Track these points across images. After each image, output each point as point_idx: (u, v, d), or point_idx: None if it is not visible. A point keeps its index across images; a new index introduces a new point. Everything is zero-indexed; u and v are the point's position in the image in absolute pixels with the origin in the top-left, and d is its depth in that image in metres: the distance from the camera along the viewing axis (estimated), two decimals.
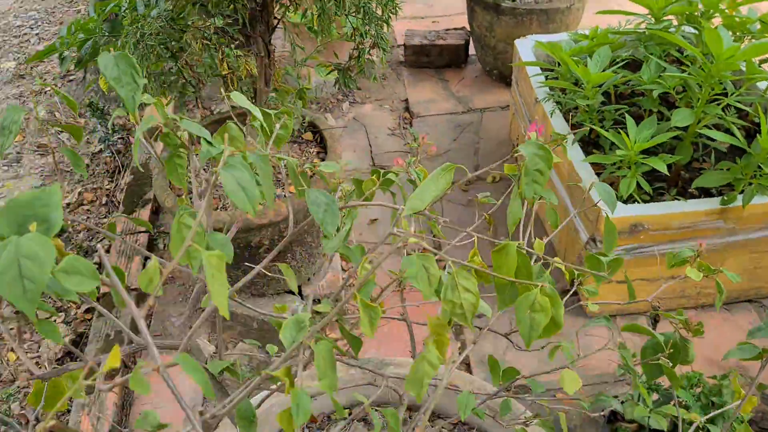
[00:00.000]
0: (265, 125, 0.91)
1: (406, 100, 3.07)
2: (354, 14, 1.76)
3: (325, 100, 3.08)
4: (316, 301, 0.82)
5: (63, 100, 0.78)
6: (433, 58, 3.19)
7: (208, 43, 1.57)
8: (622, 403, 1.69)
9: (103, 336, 2.00)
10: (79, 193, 2.90)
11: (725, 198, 1.81)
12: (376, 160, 2.74)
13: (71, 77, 3.58)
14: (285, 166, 0.90)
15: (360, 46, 1.81)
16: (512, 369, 1.01)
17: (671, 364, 0.92)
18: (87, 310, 2.23)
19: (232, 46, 1.66)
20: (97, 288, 0.59)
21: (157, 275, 0.60)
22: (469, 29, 3.12)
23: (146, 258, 2.35)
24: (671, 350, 0.91)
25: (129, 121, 3.27)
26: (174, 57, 1.54)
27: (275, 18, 1.75)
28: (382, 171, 0.87)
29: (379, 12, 1.78)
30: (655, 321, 2.07)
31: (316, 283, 2.13)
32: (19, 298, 0.53)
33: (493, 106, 2.98)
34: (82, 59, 1.90)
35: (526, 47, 2.47)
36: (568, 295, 1.11)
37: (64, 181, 3.00)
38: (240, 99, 0.87)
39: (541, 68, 2.30)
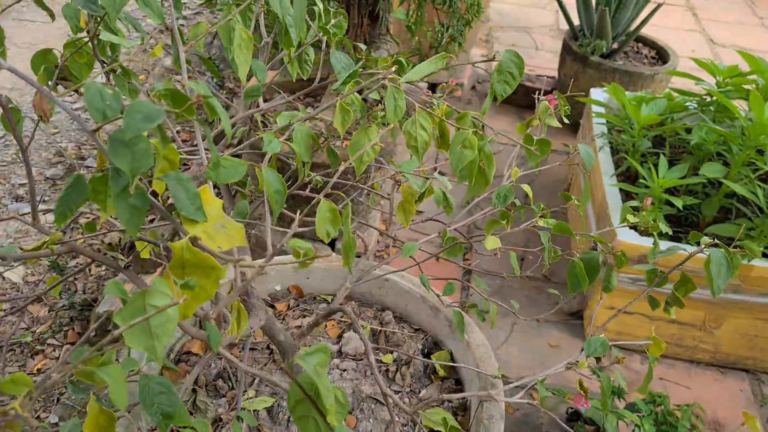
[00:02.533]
0: None
1: (483, 126, 3.28)
2: (441, 9, 2.01)
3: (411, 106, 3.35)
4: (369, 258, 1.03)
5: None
6: (518, 97, 3.41)
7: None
8: None
9: None
10: (176, 132, 3.26)
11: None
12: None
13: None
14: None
15: (440, 37, 2.06)
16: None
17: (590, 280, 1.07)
18: None
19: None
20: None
21: (204, 29, 0.85)
22: (557, 78, 3.33)
23: None
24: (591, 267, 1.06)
25: (236, 86, 3.64)
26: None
27: None
28: (395, 55, 1.09)
29: (463, 9, 2.03)
30: (593, 248, 2.15)
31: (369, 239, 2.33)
32: (111, 6, 0.78)
33: (560, 150, 3.16)
34: None
35: (598, 93, 2.65)
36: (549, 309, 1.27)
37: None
38: None
39: (605, 109, 2.47)
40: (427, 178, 1.11)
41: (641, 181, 2.06)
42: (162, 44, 0.76)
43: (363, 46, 1.45)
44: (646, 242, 1.96)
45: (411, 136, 0.90)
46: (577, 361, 0.96)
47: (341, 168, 0.78)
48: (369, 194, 1.79)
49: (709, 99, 2.26)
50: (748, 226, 1.90)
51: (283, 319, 1.38)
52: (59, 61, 0.96)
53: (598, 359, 0.96)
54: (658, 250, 1.07)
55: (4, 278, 2.44)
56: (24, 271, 2.46)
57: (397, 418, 1.21)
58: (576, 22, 3.23)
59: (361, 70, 1.07)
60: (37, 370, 2.10)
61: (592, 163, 1.23)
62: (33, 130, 0.90)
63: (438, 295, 1.21)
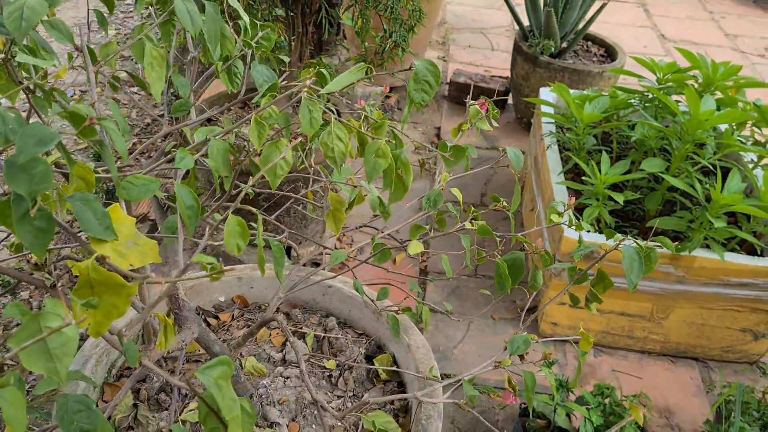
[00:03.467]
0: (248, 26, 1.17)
1: (439, 128, 3.32)
2: (384, 15, 2.04)
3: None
4: (315, 264, 1.05)
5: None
6: (473, 98, 3.45)
7: (252, 3, 1.87)
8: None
9: None
10: (133, 144, 3.25)
11: (678, 245, 1.96)
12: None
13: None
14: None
15: (384, 43, 2.08)
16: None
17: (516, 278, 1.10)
18: None
19: (274, 12, 1.95)
20: (74, 46, 0.84)
21: (114, 48, 0.86)
22: (510, 78, 3.38)
23: None
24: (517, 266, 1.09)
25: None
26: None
27: (318, 1, 2.05)
28: (317, 64, 1.11)
29: (406, 16, 2.05)
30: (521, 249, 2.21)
31: (306, 248, 2.35)
32: (16, 30, 0.79)
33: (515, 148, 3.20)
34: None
35: (547, 94, 2.70)
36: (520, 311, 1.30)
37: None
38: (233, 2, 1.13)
39: (554, 110, 2.51)
40: (355, 186, 1.13)
41: (585, 177, 2.10)
42: (67, 66, 0.77)
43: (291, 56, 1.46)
44: (588, 237, 2.00)
45: (328, 147, 0.92)
46: (500, 361, 0.98)
47: (252, 180, 0.79)
48: (306, 205, 1.81)
49: (650, 96, 2.31)
50: (688, 218, 1.95)
51: (228, 329, 1.39)
52: None
53: (521, 356, 0.98)
54: (583, 246, 1.10)
55: None
56: None
57: (339, 423, 1.23)
58: (526, 22, 3.28)
59: (286, 81, 1.08)
60: None
61: (520, 165, 1.26)
62: None
63: (372, 300, 1.23)
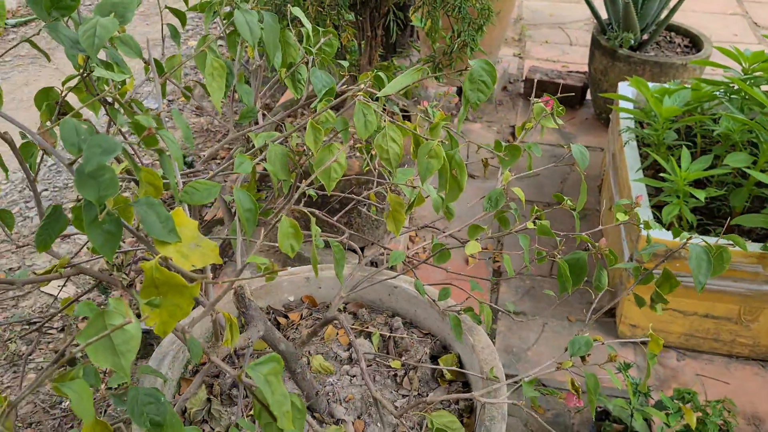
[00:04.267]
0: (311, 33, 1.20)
1: (513, 126, 3.28)
2: (453, 15, 2.04)
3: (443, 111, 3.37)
4: (374, 264, 1.07)
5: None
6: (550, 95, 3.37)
7: (321, 10, 1.91)
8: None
9: None
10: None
11: (766, 244, 1.86)
12: (468, 168, 2.97)
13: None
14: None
15: (452, 43, 2.08)
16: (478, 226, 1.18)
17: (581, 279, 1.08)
18: None
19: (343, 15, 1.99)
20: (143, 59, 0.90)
21: (178, 61, 0.90)
22: (588, 73, 3.29)
23: None
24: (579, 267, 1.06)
25: (272, 101, 3.75)
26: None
27: (387, 4, 2.07)
28: (376, 70, 1.12)
29: (474, 15, 2.04)
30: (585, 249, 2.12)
31: (376, 247, 2.38)
32: (90, 46, 0.85)
33: (593, 146, 3.12)
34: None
35: (626, 89, 2.62)
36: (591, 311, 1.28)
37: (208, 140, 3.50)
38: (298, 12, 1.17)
39: (633, 105, 2.43)
40: (415, 188, 1.14)
41: (665, 174, 2.02)
42: (134, 81, 0.82)
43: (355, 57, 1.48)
44: (667, 236, 1.93)
45: (383, 149, 0.93)
46: (561, 362, 0.97)
47: (305, 183, 0.82)
48: (371, 207, 1.83)
49: (736, 87, 2.20)
50: None
51: (296, 328, 1.43)
52: (60, 97, 1.04)
53: (582, 358, 0.96)
54: (651, 245, 1.07)
55: (55, 297, 2.58)
56: (75, 290, 2.59)
57: (405, 422, 1.24)
58: (604, 15, 3.19)
59: (345, 86, 1.11)
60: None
61: (586, 163, 1.23)
62: (39, 161, 0.98)
63: (434, 300, 1.24)
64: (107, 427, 0.83)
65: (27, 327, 2.45)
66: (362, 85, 0.94)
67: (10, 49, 0.92)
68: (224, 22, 1.16)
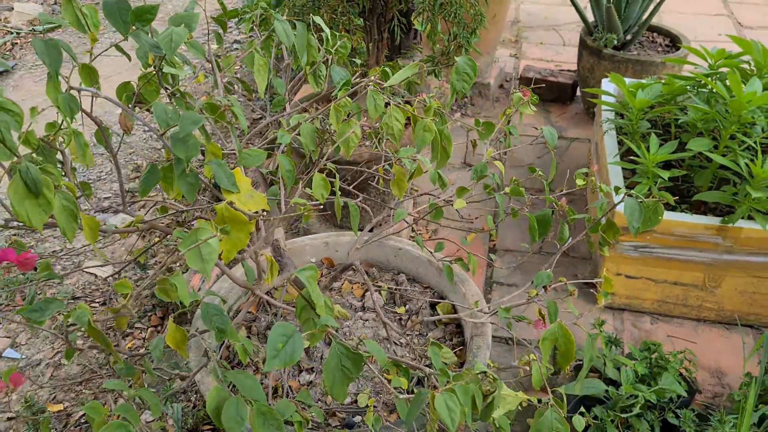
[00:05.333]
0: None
1: (509, 121, 3.55)
2: (449, 20, 2.32)
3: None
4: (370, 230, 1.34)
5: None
6: (542, 92, 3.66)
7: (335, 17, 2.20)
8: None
9: None
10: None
11: (725, 218, 2.13)
12: (468, 159, 3.25)
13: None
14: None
15: (449, 44, 2.36)
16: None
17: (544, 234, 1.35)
18: None
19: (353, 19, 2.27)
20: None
21: (232, 59, 1.19)
22: (577, 71, 3.56)
23: None
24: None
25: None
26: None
27: (391, 11, 2.35)
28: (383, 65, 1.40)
29: (469, 20, 2.32)
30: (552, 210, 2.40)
31: (384, 227, 2.66)
32: (168, 48, 1.13)
33: (582, 138, 3.39)
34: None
35: (608, 84, 2.89)
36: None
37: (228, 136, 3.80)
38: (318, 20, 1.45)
39: (615, 99, 2.71)
40: (414, 160, 1.42)
41: (636, 158, 2.30)
42: (204, 74, 1.10)
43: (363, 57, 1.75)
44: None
45: (388, 126, 1.21)
46: (533, 294, 1.24)
47: (331, 149, 1.10)
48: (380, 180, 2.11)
49: (702, 82, 2.47)
50: (731, 191, 2.11)
51: (318, 283, 1.71)
52: (135, 89, 1.32)
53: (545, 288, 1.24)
54: (600, 200, 1.35)
55: (96, 276, 2.88)
56: (112, 269, 2.89)
57: (409, 354, 1.52)
58: (591, 18, 3.46)
59: (359, 80, 1.39)
60: (128, 348, 2.51)
61: (554, 142, 1.51)
62: (119, 142, 1.27)
63: (431, 252, 1.51)
64: (184, 334, 1.12)
65: (72, 301, 2.74)
66: (372, 77, 1.22)
67: (101, 52, 1.21)
68: (260, 29, 1.44)
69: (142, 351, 2.48)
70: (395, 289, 1.67)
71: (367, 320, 1.59)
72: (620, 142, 2.52)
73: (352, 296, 1.68)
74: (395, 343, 1.53)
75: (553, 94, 3.66)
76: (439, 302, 1.64)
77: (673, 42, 3.38)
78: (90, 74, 1.17)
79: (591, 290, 2.53)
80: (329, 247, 1.77)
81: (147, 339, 2.52)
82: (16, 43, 4.76)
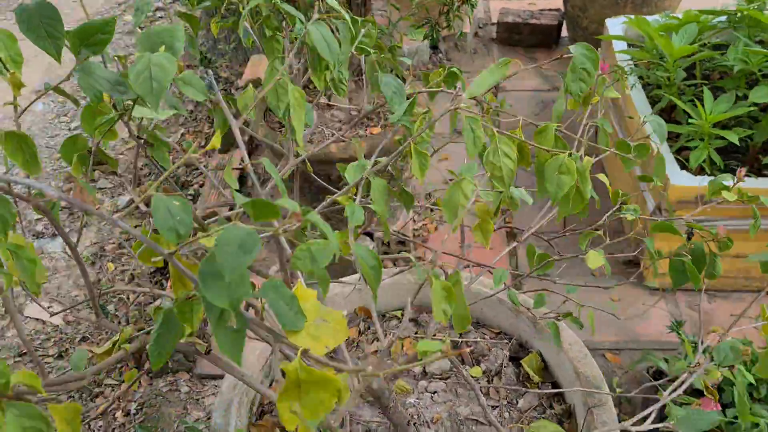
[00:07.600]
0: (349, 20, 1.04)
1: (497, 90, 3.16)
2: None
3: (416, 68, 3.21)
4: (386, 243, 0.95)
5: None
6: (524, 37, 3.26)
7: None
8: (667, 361, 1.74)
9: None
10: (182, 134, 3.14)
11: None
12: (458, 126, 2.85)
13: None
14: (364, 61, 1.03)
15: (450, 2, 1.93)
16: (545, 254, 1.10)
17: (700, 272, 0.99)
18: None
19: None
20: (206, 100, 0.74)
21: (251, 99, 0.75)
22: (563, 10, 3.17)
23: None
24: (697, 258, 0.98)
25: (231, 75, 3.53)
26: None
27: None
28: (447, 67, 0.98)
29: None
30: (689, 237, 2.10)
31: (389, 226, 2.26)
32: (148, 93, 0.68)
33: None
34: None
35: (615, 25, 2.51)
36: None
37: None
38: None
39: (627, 44, 2.34)
40: (501, 192, 1.02)
41: (683, 117, 1.95)
42: (218, 136, 0.66)
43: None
44: (699, 181, 1.87)
45: (495, 167, 0.81)
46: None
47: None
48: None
49: (737, 15, 2.12)
50: None
51: (357, 345, 1.32)
52: (90, 145, 0.87)
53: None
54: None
55: (44, 322, 2.39)
56: (61, 310, 2.40)
57: None
58: None
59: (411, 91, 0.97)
60: (101, 413, 2.06)
61: (664, 138, 1.13)
62: (79, 229, 0.82)
63: (528, 309, 1.15)
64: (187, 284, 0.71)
65: (19, 359, 2.26)
66: (462, 94, 0.80)
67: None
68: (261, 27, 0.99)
69: (117, 417, 2.04)
70: (460, 342, 1.29)
71: (435, 392, 1.21)
72: (655, 98, 2.16)
73: (405, 357, 1.30)
74: (478, 421, 1.16)
75: (536, 38, 3.26)
76: (521, 354, 1.28)
77: None
78: (22, 145, 0.72)
79: (634, 269, 2.22)
80: (363, 294, 1.36)
81: (120, 398, 2.08)
82: None
